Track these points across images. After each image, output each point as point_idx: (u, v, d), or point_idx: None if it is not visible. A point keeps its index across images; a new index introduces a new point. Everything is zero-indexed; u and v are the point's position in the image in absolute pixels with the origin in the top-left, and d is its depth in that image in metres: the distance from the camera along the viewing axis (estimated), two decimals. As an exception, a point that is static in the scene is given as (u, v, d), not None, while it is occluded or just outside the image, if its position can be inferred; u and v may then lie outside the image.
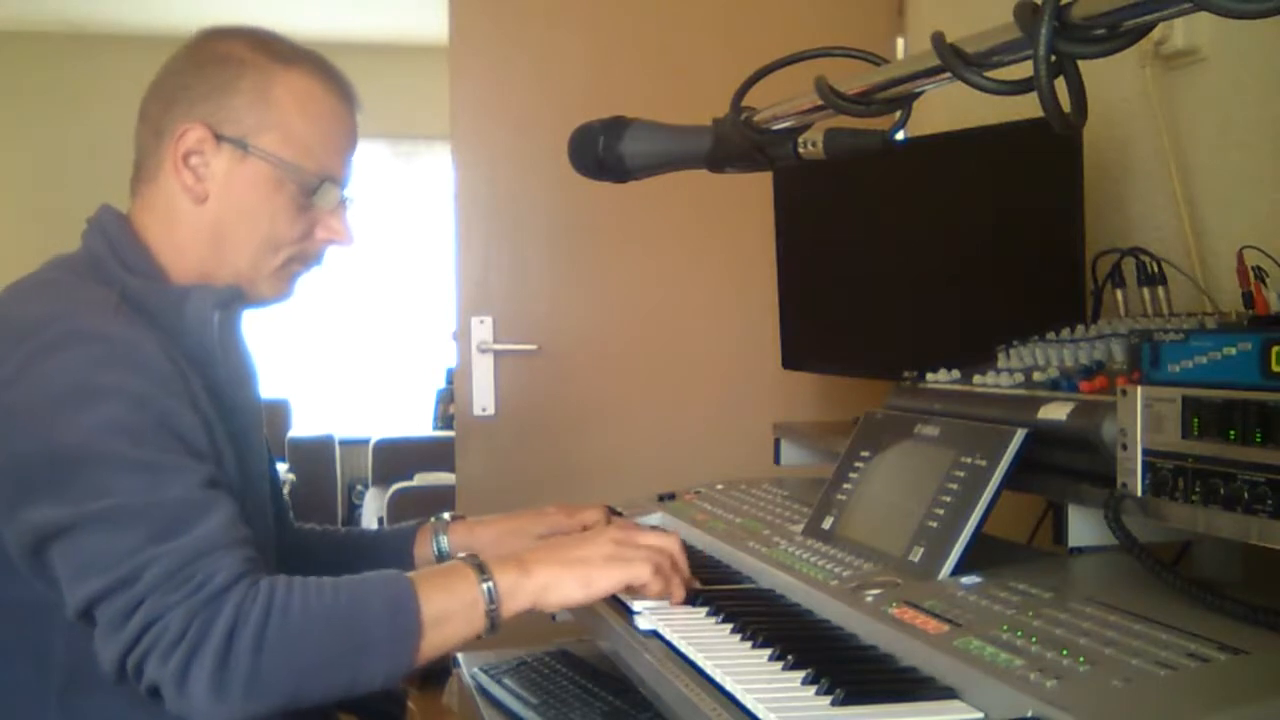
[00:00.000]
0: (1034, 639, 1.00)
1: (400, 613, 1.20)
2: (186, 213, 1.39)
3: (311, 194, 1.41)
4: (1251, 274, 1.44)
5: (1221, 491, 1.01)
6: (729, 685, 1.04)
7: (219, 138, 1.37)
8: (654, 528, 1.68)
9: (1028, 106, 0.86)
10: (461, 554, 1.30)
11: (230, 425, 1.35)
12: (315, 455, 6.51)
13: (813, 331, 2.49)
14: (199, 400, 1.28)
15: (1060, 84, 0.79)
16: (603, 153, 1.36)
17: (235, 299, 1.40)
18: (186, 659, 1.12)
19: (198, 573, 1.15)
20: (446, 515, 1.67)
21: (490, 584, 1.24)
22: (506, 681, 1.57)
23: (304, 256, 1.45)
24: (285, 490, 1.59)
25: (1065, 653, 0.96)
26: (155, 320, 1.31)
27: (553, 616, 1.61)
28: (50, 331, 1.23)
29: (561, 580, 1.27)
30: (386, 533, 1.76)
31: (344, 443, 6.69)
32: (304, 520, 1.74)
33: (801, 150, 1.24)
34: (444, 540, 1.63)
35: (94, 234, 1.40)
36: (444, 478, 4.98)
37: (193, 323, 1.33)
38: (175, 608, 1.13)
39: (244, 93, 1.37)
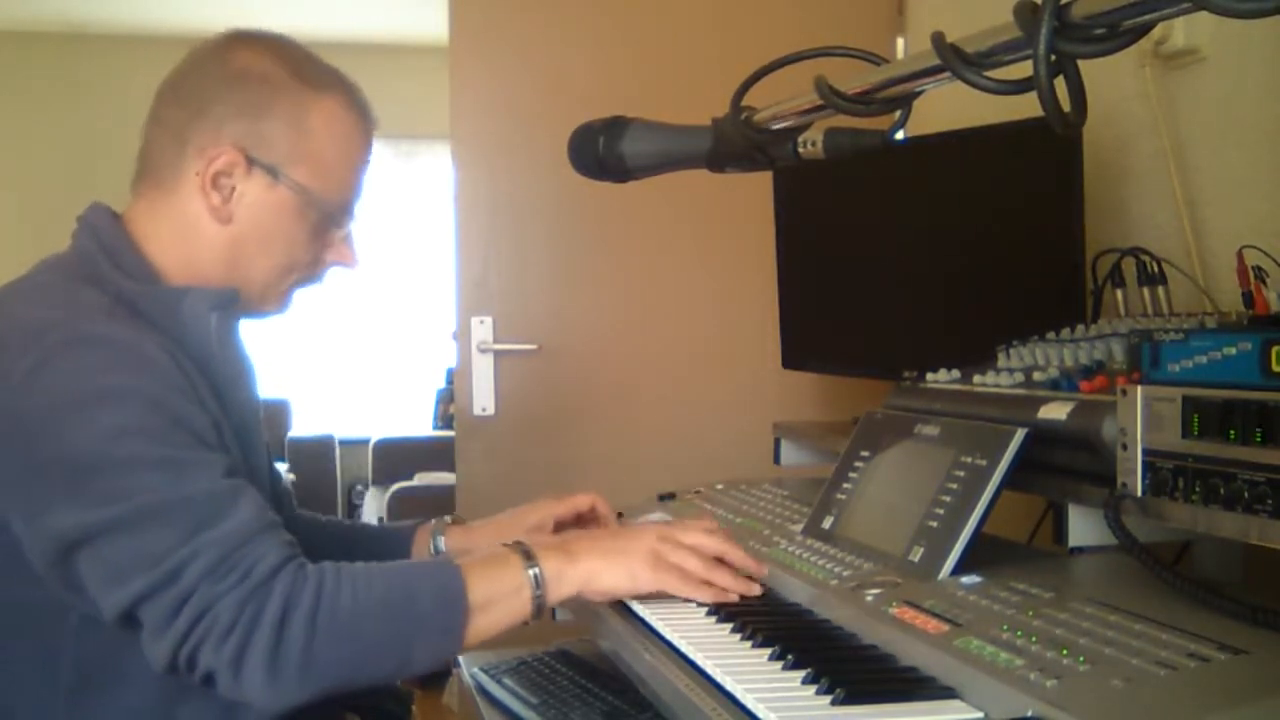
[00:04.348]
0: (1034, 639, 1.00)
1: (448, 600, 1.23)
2: (205, 231, 1.38)
3: (333, 224, 1.42)
4: (1251, 274, 1.44)
5: (1221, 491, 1.01)
6: (729, 685, 1.04)
7: (250, 161, 1.35)
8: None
9: (1028, 106, 0.86)
10: (506, 541, 1.32)
11: (232, 423, 1.35)
12: (315, 455, 6.52)
13: (813, 331, 2.49)
14: (204, 398, 1.28)
15: (1060, 84, 0.79)
16: (603, 153, 1.36)
17: (231, 300, 1.39)
18: (241, 645, 1.14)
19: (242, 560, 1.17)
20: (447, 518, 1.68)
21: (537, 570, 1.27)
22: (506, 681, 1.57)
23: (309, 277, 1.47)
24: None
25: (1065, 653, 0.96)
26: (151, 322, 1.30)
27: (553, 616, 1.61)
28: (52, 337, 1.22)
29: (606, 570, 1.30)
30: (387, 529, 1.77)
31: (344, 443, 6.69)
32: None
33: (801, 150, 1.24)
34: (440, 541, 1.64)
35: (85, 234, 1.38)
36: (444, 478, 4.98)
37: (189, 323, 1.33)
38: (225, 596, 1.15)
39: (278, 118, 1.36)
